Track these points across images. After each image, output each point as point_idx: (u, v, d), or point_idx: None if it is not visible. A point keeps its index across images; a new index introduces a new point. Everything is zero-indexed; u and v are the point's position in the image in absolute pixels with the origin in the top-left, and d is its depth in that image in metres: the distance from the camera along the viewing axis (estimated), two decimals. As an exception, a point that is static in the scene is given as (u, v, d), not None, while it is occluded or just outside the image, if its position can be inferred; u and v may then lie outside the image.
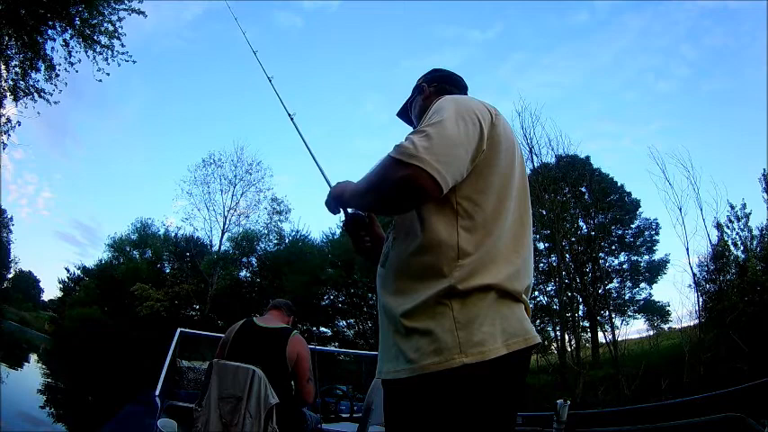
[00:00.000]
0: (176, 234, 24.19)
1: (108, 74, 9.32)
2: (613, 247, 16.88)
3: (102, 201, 52.77)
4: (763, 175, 11.46)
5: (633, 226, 16.97)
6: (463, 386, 0.86)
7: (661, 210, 21.59)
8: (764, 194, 11.35)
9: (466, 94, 1.30)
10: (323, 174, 1.50)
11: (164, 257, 24.76)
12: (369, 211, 1.21)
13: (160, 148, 47.17)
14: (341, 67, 43.62)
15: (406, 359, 0.90)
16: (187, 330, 4.43)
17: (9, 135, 9.34)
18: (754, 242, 10.93)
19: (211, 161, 22.64)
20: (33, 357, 19.62)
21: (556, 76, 34.31)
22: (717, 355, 9.09)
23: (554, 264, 13.58)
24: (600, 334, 13.15)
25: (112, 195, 53.28)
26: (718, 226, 10.78)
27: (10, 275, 42.24)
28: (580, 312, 13.93)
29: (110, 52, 9.21)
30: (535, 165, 12.90)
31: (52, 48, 9.05)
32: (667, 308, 15.24)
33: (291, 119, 1.81)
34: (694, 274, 10.52)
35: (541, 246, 13.98)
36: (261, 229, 23.02)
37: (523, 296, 0.97)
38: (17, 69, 8.98)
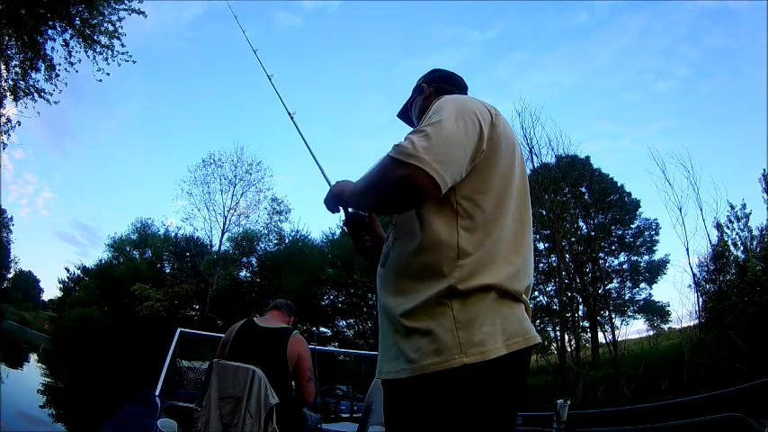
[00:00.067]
0: (176, 234, 24.23)
1: (108, 74, 9.34)
2: (613, 248, 16.89)
3: (102, 201, 52.86)
4: (763, 175, 11.47)
5: (633, 226, 17.00)
6: (463, 386, 0.86)
7: (661, 210, 21.59)
8: (764, 194, 11.36)
9: (466, 94, 1.30)
10: (323, 172, 1.49)
11: (164, 257, 24.74)
12: (368, 210, 1.21)
13: (160, 148, 47.24)
14: (341, 67, 43.70)
15: (407, 359, 0.90)
16: (187, 330, 4.43)
17: (9, 135, 9.36)
18: (754, 242, 10.94)
19: (211, 161, 22.70)
20: (33, 357, 19.59)
21: (556, 76, 34.38)
22: (717, 355, 9.09)
23: (554, 264, 13.58)
24: (600, 334, 13.16)
25: (112, 195, 53.35)
26: (718, 226, 10.79)
27: (10, 275, 42.34)
28: (580, 312, 13.93)
29: (110, 52, 9.22)
30: (535, 165, 12.91)
31: (52, 48, 9.06)
32: (667, 308, 15.29)
33: (291, 118, 1.81)
34: (694, 275, 10.54)
35: (541, 246, 13.98)
36: (261, 229, 23.06)
37: (523, 296, 0.97)
38: (17, 69, 8.99)
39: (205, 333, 5.07)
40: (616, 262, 16.83)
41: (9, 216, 37.97)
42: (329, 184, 1.34)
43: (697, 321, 10.28)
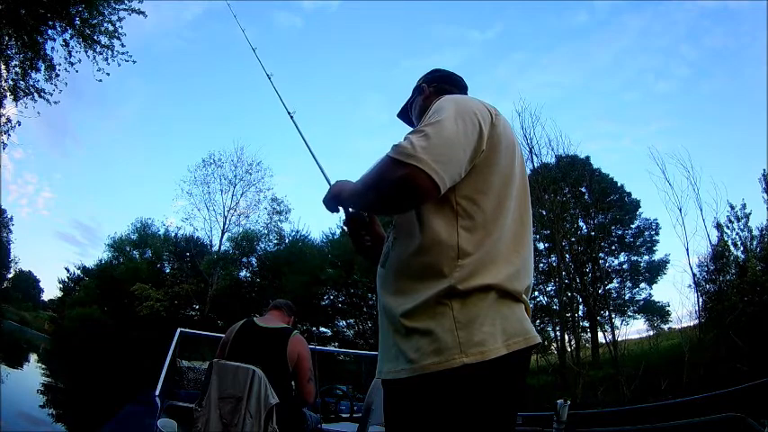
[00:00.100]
0: (176, 234, 24.24)
1: (108, 74, 9.33)
2: (613, 248, 16.90)
3: (102, 201, 52.86)
4: (763, 175, 11.48)
5: (633, 226, 17.01)
6: (463, 386, 0.86)
7: (661, 210, 21.61)
8: (764, 195, 11.38)
9: (466, 94, 1.30)
10: (322, 171, 1.49)
11: (164, 257, 24.75)
12: (367, 210, 1.21)
13: (160, 148, 47.24)
14: (341, 67, 43.70)
15: (407, 359, 0.90)
16: (187, 330, 4.43)
17: (9, 135, 9.35)
18: (754, 242, 10.95)
19: (211, 161, 22.70)
20: (33, 357, 19.59)
21: (556, 76, 34.38)
22: (717, 355, 9.09)
23: (554, 264, 13.59)
24: (600, 334, 13.17)
25: (112, 195, 53.35)
26: (718, 226, 10.80)
27: (10, 275, 42.34)
28: (580, 312, 13.94)
29: (110, 52, 9.22)
30: (535, 165, 12.91)
31: (52, 48, 9.06)
32: (667, 308, 15.29)
33: (291, 117, 1.81)
34: (694, 275, 10.55)
35: (541, 246, 13.99)
36: (261, 229, 23.07)
37: (523, 296, 0.97)
38: (17, 69, 8.99)
39: (205, 333, 5.07)
40: (616, 262, 16.88)
41: (9, 216, 38.03)
42: (329, 184, 1.34)
43: (697, 321, 10.30)
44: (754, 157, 23.35)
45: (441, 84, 1.33)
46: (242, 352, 2.42)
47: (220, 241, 22.55)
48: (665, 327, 15.24)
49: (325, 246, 21.54)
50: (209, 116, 43.68)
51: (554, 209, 12.75)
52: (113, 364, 16.96)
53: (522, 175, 1.08)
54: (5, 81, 8.92)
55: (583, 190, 15.52)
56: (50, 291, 53.24)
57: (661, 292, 20.53)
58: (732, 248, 10.92)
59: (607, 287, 15.00)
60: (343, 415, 3.53)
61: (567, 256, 13.47)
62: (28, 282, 47.43)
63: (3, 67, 8.82)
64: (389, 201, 0.96)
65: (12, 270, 41.95)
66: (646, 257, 16.78)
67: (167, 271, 23.64)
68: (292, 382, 2.53)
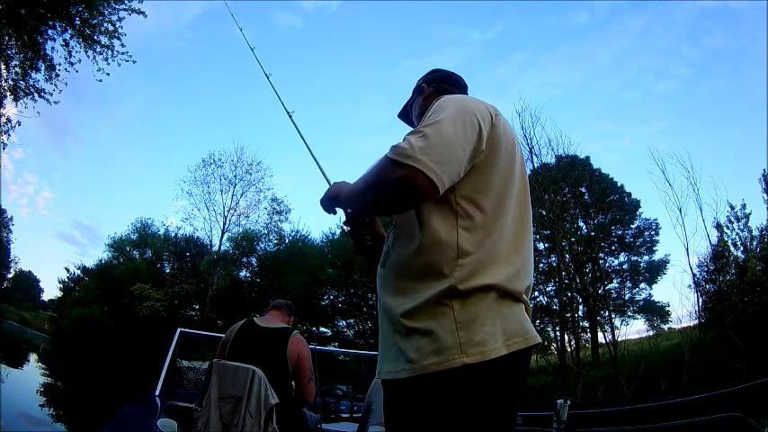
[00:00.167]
0: (176, 234, 24.23)
1: (108, 74, 9.33)
2: (613, 248, 16.89)
3: (102, 201, 52.86)
4: (763, 175, 11.48)
5: (633, 226, 17.00)
6: (464, 386, 0.86)
7: (661, 210, 21.61)
8: (764, 195, 11.38)
9: (466, 94, 1.30)
10: (321, 170, 1.50)
11: (164, 257, 24.74)
12: (365, 211, 1.21)
13: (160, 148, 47.25)
14: (341, 67, 43.70)
15: (407, 359, 0.90)
16: (187, 330, 4.43)
17: (9, 135, 9.35)
18: (754, 242, 10.95)
19: (211, 161, 22.70)
20: (33, 357, 19.59)
21: (556, 76, 34.38)
22: (717, 355, 9.09)
23: (554, 264, 13.59)
24: (600, 334, 13.17)
25: (112, 195, 53.37)
26: (718, 226, 10.80)
27: (10, 275, 42.35)
28: (580, 312, 13.94)
29: (110, 52, 9.22)
30: (535, 165, 12.92)
31: (52, 48, 9.06)
32: (667, 308, 15.29)
33: (290, 116, 1.81)
34: (694, 275, 10.56)
35: (541, 246, 13.99)
36: (261, 229, 23.06)
37: (524, 296, 0.97)
38: (17, 69, 8.99)
39: (205, 333, 5.07)
40: (616, 262, 16.87)
41: (9, 216, 38.03)
42: (328, 182, 1.34)
43: (697, 321, 10.30)
44: (754, 157, 23.39)
45: (440, 84, 1.33)
46: (242, 352, 2.42)
47: (220, 241, 22.59)
48: (665, 327, 15.26)
49: (325, 246, 21.54)
50: (209, 116, 43.73)
51: (554, 209, 12.75)
52: (113, 364, 16.95)
53: (523, 174, 1.08)
54: (5, 81, 8.93)
55: (583, 190, 15.52)
56: (50, 291, 53.32)
57: (661, 292, 20.57)
58: (732, 248, 10.93)
59: (607, 287, 15.00)
60: (343, 415, 3.53)
61: (567, 256, 13.48)
62: (28, 282, 47.43)
63: (3, 67, 8.83)
64: (388, 201, 0.96)
65: (12, 270, 42.03)
66: (646, 257, 16.79)
67: (167, 271, 23.64)
68: (292, 382, 2.53)
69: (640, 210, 16.77)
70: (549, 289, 14.33)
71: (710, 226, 10.66)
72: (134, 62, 9.48)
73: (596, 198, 15.20)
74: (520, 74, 35.92)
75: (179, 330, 4.11)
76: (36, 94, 9.15)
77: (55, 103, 9.29)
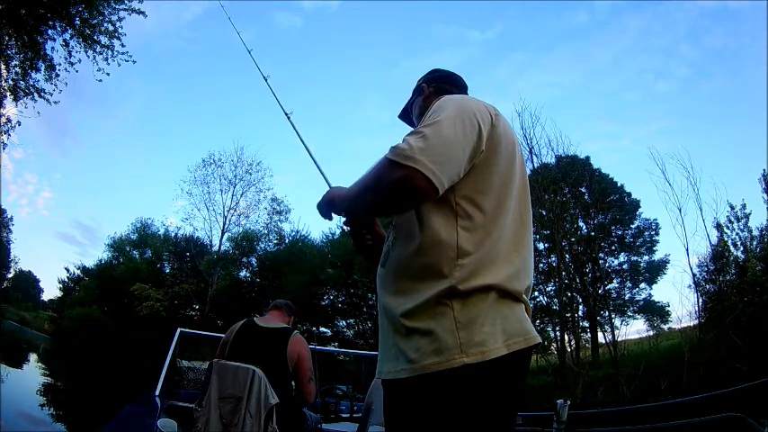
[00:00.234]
0: (176, 234, 24.24)
1: (108, 74, 9.33)
2: (613, 248, 16.89)
3: (102, 201, 52.89)
4: (763, 175, 11.48)
5: (633, 226, 17.00)
6: (464, 386, 0.86)
7: (661, 210, 21.59)
8: (764, 195, 11.38)
9: (466, 94, 1.30)
10: (320, 170, 1.50)
11: (164, 257, 24.74)
12: (365, 213, 1.20)
13: (160, 148, 47.28)
14: (341, 67, 43.72)
15: (407, 359, 0.90)
16: (187, 330, 4.43)
17: (9, 135, 9.35)
18: (754, 242, 10.95)
19: (211, 161, 22.71)
20: (33, 357, 19.60)
21: (556, 76, 34.38)
22: (716, 355, 9.09)
23: (554, 264, 13.60)
24: (600, 334, 13.17)
25: (112, 195, 53.39)
26: (718, 226, 10.80)
27: (10, 275, 42.34)
28: (580, 313, 13.94)
29: (110, 52, 9.22)
30: (535, 165, 12.92)
31: (52, 48, 9.06)
32: (667, 308, 15.29)
33: (288, 118, 1.82)
34: (694, 275, 10.55)
35: (541, 246, 13.99)
36: (261, 229, 23.07)
37: (524, 296, 0.97)
38: (17, 69, 8.99)
39: (205, 333, 5.07)
40: (616, 262, 16.87)
41: (9, 216, 38.03)
42: (326, 181, 1.34)
43: (697, 321, 10.30)
44: (754, 157, 23.37)
45: (440, 84, 1.33)
46: (242, 352, 2.42)
47: (220, 241, 22.60)
48: (665, 327, 15.26)
49: (325, 246, 21.54)
50: (209, 116, 43.75)
51: (554, 209, 12.76)
52: (113, 364, 16.95)
53: (523, 174, 1.08)
54: (5, 81, 8.93)
55: (583, 190, 15.52)
56: (50, 291, 53.34)
57: (661, 292, 20.55)
58: (732, 249, 10.93)
59: (607, 287, 15.01)
60: (343, 415, 3.53)
61: (567, 256, 13.48)
62: (28, 282, 47.45)
63: (3, 67, 8.83)
64: (388, 202, 0.96)
65: (12, 270, 42.02)
66: (646, 257, 16.79)
67: (167, 271, 23.64)
68: (292, 382, 2.53)
69: (640, 210, 16.80)
70: (549, 289, 14.34)
71: (710, 226, 10.68)
72: (134, 62, 9.50)
73: (596, 198, 15.20)
74: (520, 74, 35.97)
75: (179, 330, 4.11)
76: (36, 94, 9.16)
77: (55, 103, 9.30)
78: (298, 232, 22.93)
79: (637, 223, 16.94)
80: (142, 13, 9.20)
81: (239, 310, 17.76)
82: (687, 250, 10.29)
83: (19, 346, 21.89)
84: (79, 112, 48.67)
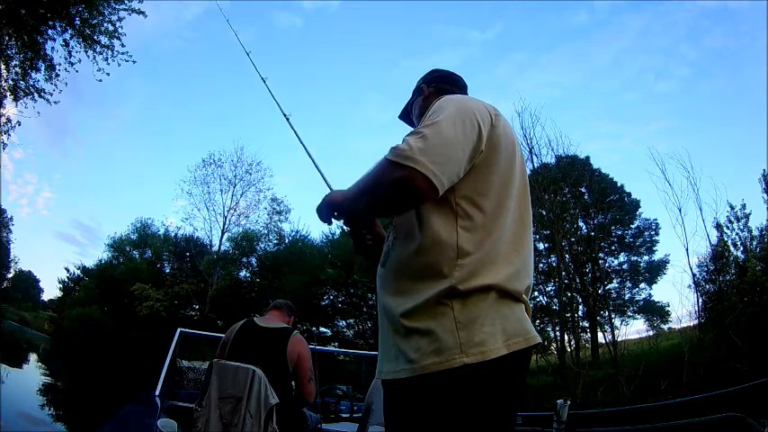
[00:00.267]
0: (176, 234, 24.23)
1: (108, 74, 9.32)
2: (613, 248, 16.89)
3: (102, 201, 52.88)
4: (763, 175, 11.47)
5: (633, 226, 16.99)
6: (463, 386, 0.86)
7: (661, 210, 21.58)
8: (764, 195, 11.37)
9: (465, 94, 1.30)
10: (320, 172, 1.50)
11: (164, 257, 24.74)
12: (365, 213, 1.20)
13: (160, 148, 47.27)
14: (341, 67, 43.71)
15: (407, 359, 0.90)
16: (187, 330, 4.43)
17: (9, 135, 9.35)
18: (754, 242, 10.94)
19: (211, 161, 22.70)
20: (33, 357, 19.60)
21: (556, 76, 34.37)
22: (716, 355, 9.09)
23: (554, 264, 13.59)
24: (599, 334, 13.17)
25: (112, 195, 53.39)
26: (718, 226, 10.80)
27: (10, 275, 42.34)
28: (580, 313, 13.93)
29: (110, 52, 9.21)
30: (535, 165, 12.91)
31: (52, 48, 9.05)
32: (667, 308, 15.27)
33: (287, 119, 1.83)
34: (694, 275, 10.55)
35: (541, 246, 13.98)
36: (261, 229, 23.06)
37: (524, 296, 0.97)
38: (17, 69, 8.98)
39: (205, 333, 5.07)
40: (616, 262, 16.86)
41: (9, 216, 38.02)
42: (327, 183, 1.33)
43: (697, 321, 10.30)
44: (754, 157, 23.35)
45: (440, 84, 1.33)
46: (242, 352, 2.42)
47: (220, 241, 22.59)
48: (665, 327, 15.25)
49: (325, 246, 21.53)
50: (209, 116, 43.73)
51: (554, 209, 12.75)
52: (113, 364, 16.95)
53: (523, 174, 1.08)
54: (5, 81, 8.93)
55: (583, 190, 15.52)
56: (50, 291, 53.31)
57: (661, 292, 20.54)
58: (732, 249, 10.93)
59: (607, 287, 15.01)
60: (343, 415, 3.53)
61: (567, 256, 13.47)
62: (28, 282, 47.44)
63: (3, 67, 8.82)
64: (388, 203, 0.96)
65: (12, 270, 42.02)
66: (645, 257, 16.78)
67: (167, 271, 23.63)
68: (292, 382, 2.53)
69: (640, 210, 16.80)
70: (549, 289, 14.33)
71: (710, 226, 10.67)
72: (134, 62, 9.49)
73: (596, 198, 15.20)
74: (520, 74, 35.96)
75: (179, 330, 4.11)
76: (36, 94, 9.15)
77: (55, 103, 9.29)
78: (298, 232, 22.96)
79: (637, 223, 16.96)
80: (142, 13, 9.20)
81: (239, 310, 17.75)
82: (687, 250, 10.30)
83: (19, 346, 21.89)
84: (79, 112, 48.73)
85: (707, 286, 10.76)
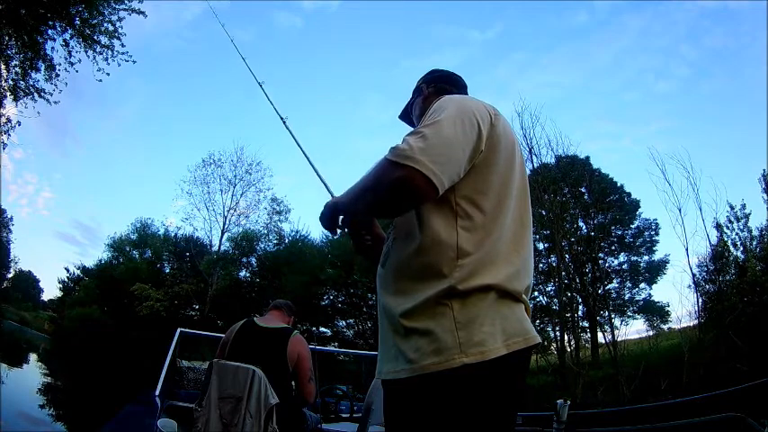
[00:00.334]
0: (176, 234, 24.22)
1: (108, 74, 9.32)
2: (613, 248, 16.89)
3: (102, 201, 52.90)
4: (763, 175, 11.47)
5: (633, 226, 16.99)
6: (463, 386, 0.86)
7: (661, 210, 21.55)
8: (764, 195, 11.37)
9: (465, 94, 1.31)
10: (316, 171, 1.51)
11: (163, 257, 24.73)
12: (365, 214, 1.20)
13: (160, 148, 47.28)
14: (341, 67, 43.73)
15: (406, 359, 0.90)
16: (187, 330, 4.43)
17: (9, 135, 9.35)
18: (754, 242, 10.94)
19: (211, 161, 22.70)
20: (33, 357, 19.61)
21: (556, 76, 34.39)
22: (716, 355, 9.09)
23: (554, 264, 13.58)
24: (599, 334, 13.17)
25: (112, 195, 53.40)
26: (718, 226, 10.79)
27: (10, 275, 42.36)
28: (580, 313, 13.93)
29: (110, 52, 9.20)
30: (535, 165, 12.90)
31: (52, 48, 9.05)
32: (667, 308, 15.27)
33: (284, 122, 1.84)
34: (694, 275, 10.54)
35: (541, 246, 13.98)
36: (261, 229, 23.06)
37: (523, 296, 0.97)
38: (17, 69, 8.98)
39: (205, 333, 5.07)
40: (616, 262, 16.85)
41: (9, 216, 38.06)
42: (324, 182, 1.34)
43: (697, 321, 10.30)
44: (754, 157, 23.36)
45: (440, 84, 1.33)
46: (242, 352, 2.42)
47: (220, 241, 22.58)
48: (665, 327, 15.25)
49: (325, 246, 21.52)
50: (209, 116, 43.73)
51: (554, 209, 12.75)
52: (113, 364, 16.95)
53: (522, 174, 1.08)
54: (5, 81, 8.92)
55: (583, 190, 15.52)
56: (50, 291, 53.34)
57: (661, 292, 20.53)
58: (732, 249, 10.92)
59: (607, 287, 15.00)
60: (343, 415, 3.53)
61: (567, 256, 13.47)
62: (28, 282, 47.44)
63: (3, 67, 8.82)
64: (388, 203, 0.96)
65: (12, 270, 42.05)
66: (645, 257, 16.78)
67: (167, 271, 23.62)
68: (292, 382, 2.53)
69: (640, 210, 16.80)
70: (549, 289, 14.33)
71: (710, 226, 10.66)
72: (134, 62, 9.48)
73: (596, 198, 15.21)
74: (520, 74, 35.98)
75: (179, 330, 4.11)
76: (36, 94, 9.14)
77: (55, 103, 9.28)
78: (297, 232, 22.96)
79: (637, 223, 16.95)
80: (142, 13, 9.20)
81: (239, 310, 17.75)
82: (687, 250, 10.29)
83: (19, 346, 21.90)
84: (79, 112, 48.73)
85: (707, 286, 10.76)
